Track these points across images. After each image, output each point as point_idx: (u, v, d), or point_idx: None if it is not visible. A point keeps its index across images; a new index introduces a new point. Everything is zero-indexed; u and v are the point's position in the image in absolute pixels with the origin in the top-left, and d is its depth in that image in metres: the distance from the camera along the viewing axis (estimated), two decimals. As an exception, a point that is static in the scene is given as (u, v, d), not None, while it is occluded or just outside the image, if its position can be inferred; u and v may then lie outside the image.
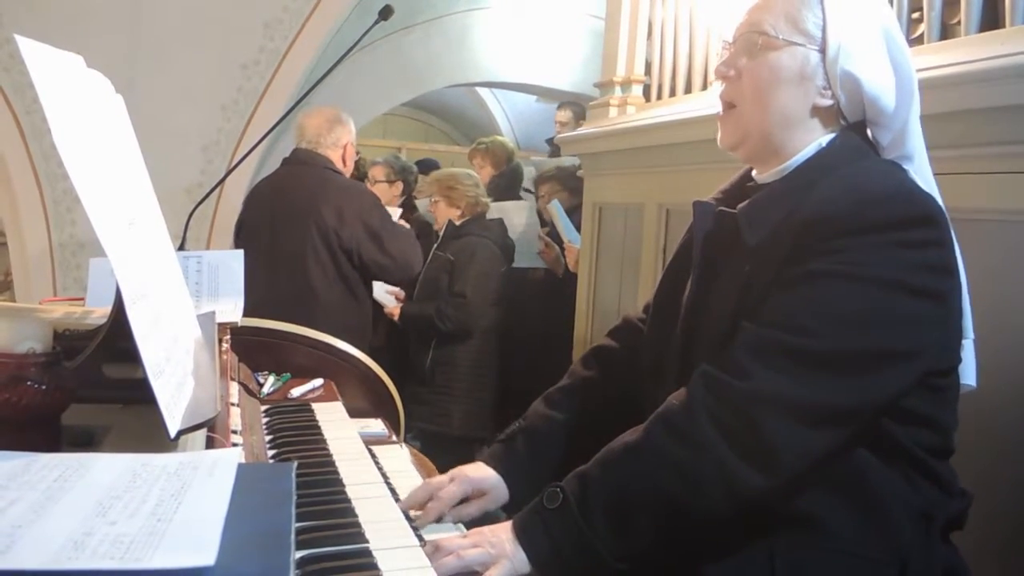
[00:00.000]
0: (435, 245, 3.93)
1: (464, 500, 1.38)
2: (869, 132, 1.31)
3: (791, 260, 1.18)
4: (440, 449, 3.38)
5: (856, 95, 1.26)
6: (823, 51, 1.26)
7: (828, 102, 1.27)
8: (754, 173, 1.39)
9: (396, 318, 3.87)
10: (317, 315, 3.04)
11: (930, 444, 1.22)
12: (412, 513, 1.31)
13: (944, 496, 1.23)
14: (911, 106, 1.29)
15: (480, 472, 1.41)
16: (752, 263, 1.24)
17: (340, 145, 3.37)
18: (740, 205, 1.30)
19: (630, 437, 1.20)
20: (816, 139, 1.29)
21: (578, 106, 5.48)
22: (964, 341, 1.30)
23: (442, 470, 1.52)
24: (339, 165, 3.38)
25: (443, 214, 3.98)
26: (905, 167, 1.29)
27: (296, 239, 3.20)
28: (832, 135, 1.29)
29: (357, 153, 3.74)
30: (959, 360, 1.27)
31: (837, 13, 1.25)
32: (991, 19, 1.82)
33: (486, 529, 1.21)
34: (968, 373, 1.33)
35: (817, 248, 1.16)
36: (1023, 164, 1.66)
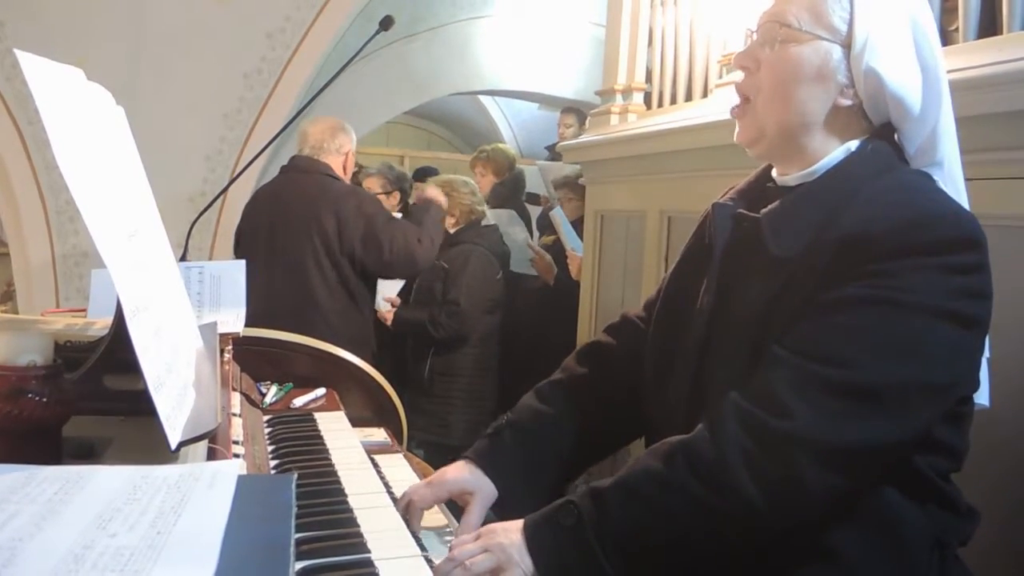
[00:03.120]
0: None
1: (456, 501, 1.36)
2: (896, 138, 1.26)
3: (829, 281, 1.13)
4: (442, 458, 3.37)
5: (879, 94, 1.20)
6: (848, 46, 1.20)
7: (849, 102, 1.22)
8: (774, 173, 1.33)
9: (389, 323, 3.87)
10: (318, 323, 3.04)
11: (945, 469, 1.20)
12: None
13: (956, 520, 1.21)
14: (940, 108, 1.23)
15: (460, 473, 1.37)
16: (782, 276, 1.18)
17: (342, 152, 3.39)
18: (764, 210, 1.24)
19: (653, 463, 1.14)
20: (843, 143, 1.24)
21: (580, 111, 5.51)
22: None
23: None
24: (339, 172, 3.39)
25: None
26: (935, 176, 1.24)
27: (297, 246, 3.20)
28: (860, 140, 1.24)
29: (357, 165, 3.75)
30: (979, 384, 1.24)
31: (865, 4, 1.20)
32: (989, 26, 1.82)
33: (498, 527, 1.18)
34: (982, 392, 1.28)
35: (858, 270, 1.10)
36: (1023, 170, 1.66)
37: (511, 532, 1.15)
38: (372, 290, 3.43)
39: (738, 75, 1.34)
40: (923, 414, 1.10)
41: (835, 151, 1.24)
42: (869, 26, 1.19)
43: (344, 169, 3.43)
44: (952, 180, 1.26)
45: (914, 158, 1.26)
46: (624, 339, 1.50)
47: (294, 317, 2.93)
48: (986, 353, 1.26)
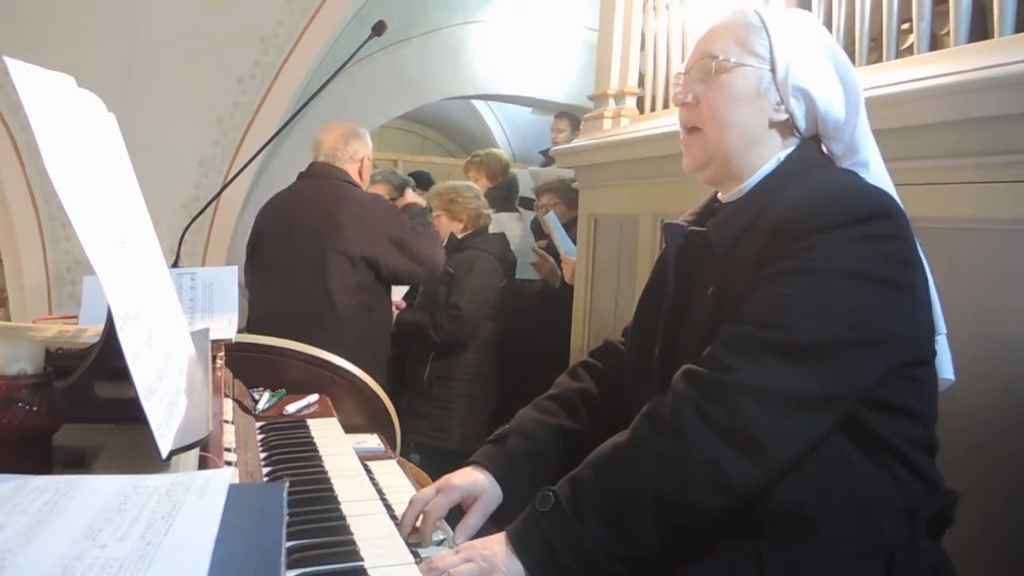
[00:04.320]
0: None
1: (459, 508, 1.36)
2: (823, 146, 1.38)
3: (762, 264, 1.23)
4: (438, 463, 3.37)
5: (809, 107, 1.33)
6: (773, 71, 1.32)
7: (783, 116, 1.34)
8: (719, 194, 1.44)
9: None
10: (334, 327, 3.06)
11: (913, 437, 1.25)
12: (411, 538, 1.29)
13: (929, 492, 1.25)
14: (858, 115, 1.35)
15: (468, 477, 1.38)
16: (723, 271, 1.29)
17: (357, 159, 3.39)
18: (709, 221, 1.37)
19: (619, 437, 1.22)
20: (775, 154, 1.36)
21: (573, 116, 5.52)
22: (938, 337, 1.34)
23: (439, 482, 1.50)
24: (355, 178, 3.39)
25: (445, 228, 3.95)
26: (861, 174, 1.36)
27: (316, 252, 3.19)
28: (790, 149, 1.36)
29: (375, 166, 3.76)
30: (934, 353, 1.31)
31: (781, 36, 1.33)
32: (980, 30, 1.83)
33: (478, 542, 1.20)
34: (945, 367, 1.37)
35: (785, 249, 1.21)
36: (1014, 173, 1.66)
37: (492, 544, 1.18)
38: (388, 294, 3.44)
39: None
40: (858, 368, 1.18)
41: (768, 162, 1.36)
42: (788, 52, 1.32)
43: (360, 175, 3.42)
44: (878, 179, 1.37)
45: (841, 159, 1.38)
46: (608, 361, 1.60)
47: (312, 320, 2.96)
48: (943, 330, 1.36)
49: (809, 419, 1.17)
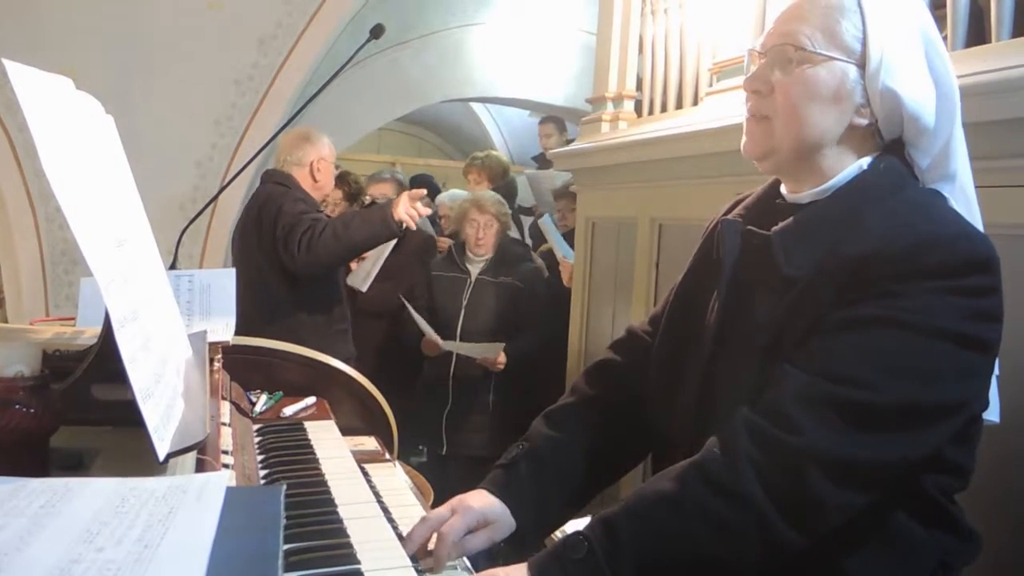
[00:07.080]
0: (480, 270, 3.79)
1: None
2: (907, 153, 1.24)
3: (840, 299, 1.12)
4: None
5: (895, 112, 1.19)
6: (862, 65, 1.18)
7: (865, 121, 1.20)
8: (783, 190, 1.30)
9: (500, 366, 3.64)
10: (272, 334, 3.02)
11: (953, 490, 1.19)
12: (423, 563, 1.22)
13: (959, 542, 1.20)
14: (954, 122, 1.21)
15: (483, 500, 1.31)
16: (792, 294, 1.17)
17: (304, 163, 3.37)
18: (775, 228, 1.22)
19: (663, 485, 1.12)
20: (855, 161, 1.22)
21: (558, 119, 5.53)
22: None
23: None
24: (307, 182, 3.38)
25: (492, 240, 3.84)
26: (946, 191, 1.23)
27: (243, 260, 3.30)
28: (871, 157, 1.22)
29: (337, 167, 3.73)
30: (988, 404, 1.23)
31: (878, 21, 1.18)
32: (977, 35, 1.84)
33: (500, 572, 1.12)
34: (992, 409, 1.26)
35: (871, 290, 1.09)
36: (1011, 178, 1.66)
37: (514, 573, 1.10)
38: (322, 298, 3.36)
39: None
40: (931, 434, 1.10)
41: (847, 169, 1.22)
42: (883, 44, 1.17)
43: (314, 177, 3.40)
44: (964, 193, 1.26)
45: (926, 172, 1.24)
46: (631, 356, 1.47)
47: (253, 329, 2.93)
48: (995, 371, 1.23)
49: (874, 489, 1.09)
